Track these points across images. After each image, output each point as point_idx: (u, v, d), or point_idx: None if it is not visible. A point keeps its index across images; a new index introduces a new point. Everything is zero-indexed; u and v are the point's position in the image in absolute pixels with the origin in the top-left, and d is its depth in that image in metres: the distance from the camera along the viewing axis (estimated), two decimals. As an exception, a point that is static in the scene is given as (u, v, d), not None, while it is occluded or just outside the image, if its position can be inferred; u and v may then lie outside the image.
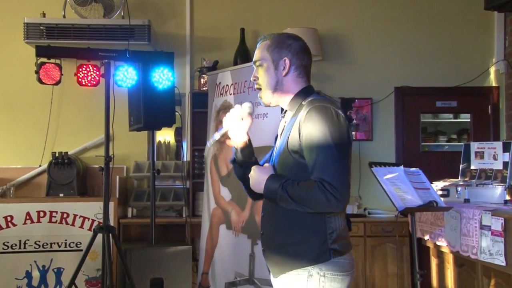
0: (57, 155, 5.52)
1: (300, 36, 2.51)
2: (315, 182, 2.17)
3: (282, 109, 2.54)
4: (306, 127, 2.24)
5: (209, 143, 2.47)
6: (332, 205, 2.16)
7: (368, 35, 6.27)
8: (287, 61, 2.41)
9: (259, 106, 4.90)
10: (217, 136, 2.45)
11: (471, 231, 3.39)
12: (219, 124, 4.97)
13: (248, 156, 2.51)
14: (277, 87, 2.43)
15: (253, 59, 2.50)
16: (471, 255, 3.38)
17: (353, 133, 6.12)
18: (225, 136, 2.47)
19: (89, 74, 4.52)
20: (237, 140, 2.47)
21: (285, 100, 2.45)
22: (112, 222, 4.84)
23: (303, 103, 2.38)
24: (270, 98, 2.45)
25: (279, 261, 2.35)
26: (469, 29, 6.26)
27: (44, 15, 5.63)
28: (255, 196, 2.54)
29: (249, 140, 2.50)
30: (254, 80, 2.49)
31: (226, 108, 5.15)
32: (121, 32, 5.52)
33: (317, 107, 2.26)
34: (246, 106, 2.43)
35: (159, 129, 5.38)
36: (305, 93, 2.43)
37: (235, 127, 2.43)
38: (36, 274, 5.12)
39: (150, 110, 4.85)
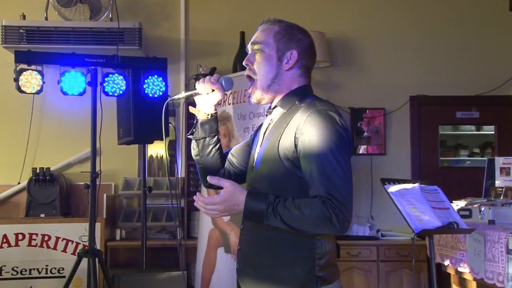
0: (37, 171, 5.50)
1: (309, 33, 2.44)
2: (320, 198, 2.08)
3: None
4: (308, 134, 2.14)
5: (171, 98, 2.50)
6: (338, 225, 2.06)
7: (380, 39, 6.27)
8: (295, 55, 2.32)
9: (261, 117, 4.90)
10: (182, 95, 2.48)
11: (496, 256, 3.37)
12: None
13: (208, 132, 2.48)
14: (274, 81, 2.33)
15: (252, 40, 2.39)
16: (497, 283, 3.36)
17: (364, 146, 6.12)
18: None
19: (74, 82, 4.51)
20: (201, 109, 2.46)
21: (278, 97, 2.37)
22: (98, 245, 4.82)
23: (297, 103, 2.30)
24: (263, 93, 2.35)
25: (257, 283, 2.28)
26: (493, 32, 6.27)
27: (24, 17, 5.64)
28: (206, 182, 2.48)
29: (215, 115, 2.49)
30: (247, 65, 2.39)
31: (224, 119, 5.15)
32: (109, 36, 5.52)
33: (321, 112, 2.18)
34: (223, 78, 2.43)
35: (151, 142, 5.36)
36: (301, 92, 2.35)
37: (204, 94, 2.42)
38: (13, 303, 5.10)
39: (141, 122, 4.84)
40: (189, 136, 2.54)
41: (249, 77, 2.40)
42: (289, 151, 2.18)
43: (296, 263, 2.19)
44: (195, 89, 2.44)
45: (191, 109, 2.50)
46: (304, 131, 2.15)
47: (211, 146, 2.50)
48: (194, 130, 2.50)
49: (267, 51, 2.33)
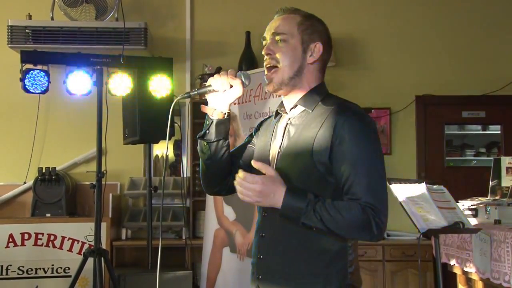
0: (43, 171, 5.51)
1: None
2: (359, 204, 2.01)
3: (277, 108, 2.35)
4: (348, 139, 2.05)
5: (182, 96, 2.23)
6: (376, 233, 2.03)
7: (386, 38, 6.26)
8: (320, 47, 2.24)
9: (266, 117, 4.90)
10: (194, 92, 2.24)
11: (502, 256, 3.35)
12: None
13: (223, 134, 2.28)
14: (297, 74, 2.20)
15: (274, 30, 2.23)
16: (503, 283, 3.35)
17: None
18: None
19: (79, 81, 4.51)
20: (216, 108, 2.25)
21: (297, 93, 2.24)
22: (104, 245, 4.82)
23: (321, 103, 2.18)
24: (283, 84, 2.21)
25: None
26: (499, 31, 6.25)
27: (30, 17, 5.65)
28: (213, 188, 2.43)
29: (229, 115, 2.29)
30: (268, 54, 2.23)
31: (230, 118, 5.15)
32: (115, 35, 5.53)
33: (360, 117, 2.11)
34: (242, 73, 2.25)
35: (157, 142, 5.37)
36: (322, 91, 2.24)
37: (220, 91, 2.23)
38: (19, 303, 5.10)
39: (147, 122, 4.85)
40: (201, 139, 2.31)
41: (269, 68, 2.24)
42: (324, 154, 2.08)
43: (330, 271, 2.11)
44: (209, 85, 2.24)
45: (204, 108, 2.29)
46: (344, 136, 2.06)
47: (224, 149, 2.31)
48: (207, 131, 2.28)
49: (293, 42, 2.21)
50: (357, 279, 2.17)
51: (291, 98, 2.26)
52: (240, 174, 2.10)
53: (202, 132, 2.30)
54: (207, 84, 2.26)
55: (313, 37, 2.23)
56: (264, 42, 2.28)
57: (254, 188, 2.07)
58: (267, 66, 2.24)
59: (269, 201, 2.08)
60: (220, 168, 2.36)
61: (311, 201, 2.03)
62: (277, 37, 2.22)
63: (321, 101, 2.20)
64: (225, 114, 2.27)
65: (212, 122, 2.27)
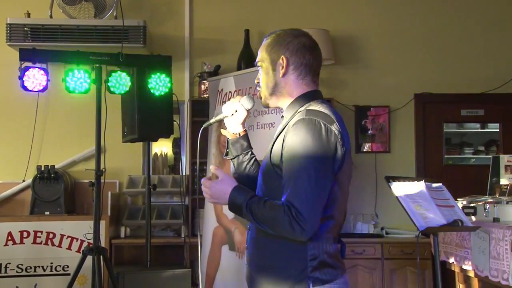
0: (42, 169, 5.51)
1: (307, 33, 2.47)
2: (284, 204, 2.17)
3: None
4: (288, 141, 2.23)
5: (205, 125, 2.58)
6: (295, 234, 2.15)
7: (385, 36, 6.26)
8: (284, 60, 2.39)
9: (265, 115, 4.91)
10: (212, 120, 2.60)
11: (501, 254, 3.36)
12: (220, 135, 4.96)
13: (240, 150, 2.59)
14: (275, 90, 2.44)
15: (256, 60, 2.53)
16: (501, 281, 3.36)
17: (369, 144, 6.11)
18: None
19: (78, 79, 4.51)
20: (230, 130, 2.59)
21: (284, 103, 2.46)
22: (103, 243, 4.82)
23: (299, 110, 2.34)
24: (267, 99, 2.49)
25: (257, 283, 2.36)
26: (498, 29, 6.26)
27: (28, 15, 5.65)
28: None
29: (245, 134, 2.61)
30: (257, 83, 2.53)
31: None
32: (114, 33, 5.52)
33: (305, 120, 2.23)
34: (244, 99, 2.55)
35: (155, 140, 5.38)
36: (305, 98, 2.40)
37: (229, 116, 2.55)
38: (18, 300, 5.10)
39: (146, 120, 4.85)
40: (224, 157, 2.66)
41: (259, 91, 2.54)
42: (278, 157, 2.28)
43: (288, 264, 2.26)
44: (221, 112, 2.58)
45: (222, 131, 2.64)
46: (288, 138, 2.24)
47: (245, 163, 2.59)
48: (227, 150, 2.62)
49: (264, 65, 2.45)
50: (324, 273, 2.24)
51: (284, 107, 2.48)
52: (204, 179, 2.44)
53: (225, 152, 2.65)
54: (223, 112, 2.59)
55: (278, 53, 2.42)
56: None
57: (206, 191, 2.40)
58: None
59: (221, 200, 2.36)
60: (247, 180, 2.56)
61: (247, 199, 2.28)
62: (258, 65, 2.50)
63: (299, 108, 2.36)
64: (237, 134, 2.60)
65: (227, 141, 2.62)
